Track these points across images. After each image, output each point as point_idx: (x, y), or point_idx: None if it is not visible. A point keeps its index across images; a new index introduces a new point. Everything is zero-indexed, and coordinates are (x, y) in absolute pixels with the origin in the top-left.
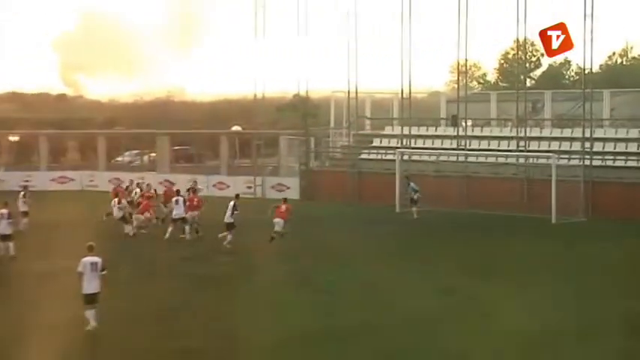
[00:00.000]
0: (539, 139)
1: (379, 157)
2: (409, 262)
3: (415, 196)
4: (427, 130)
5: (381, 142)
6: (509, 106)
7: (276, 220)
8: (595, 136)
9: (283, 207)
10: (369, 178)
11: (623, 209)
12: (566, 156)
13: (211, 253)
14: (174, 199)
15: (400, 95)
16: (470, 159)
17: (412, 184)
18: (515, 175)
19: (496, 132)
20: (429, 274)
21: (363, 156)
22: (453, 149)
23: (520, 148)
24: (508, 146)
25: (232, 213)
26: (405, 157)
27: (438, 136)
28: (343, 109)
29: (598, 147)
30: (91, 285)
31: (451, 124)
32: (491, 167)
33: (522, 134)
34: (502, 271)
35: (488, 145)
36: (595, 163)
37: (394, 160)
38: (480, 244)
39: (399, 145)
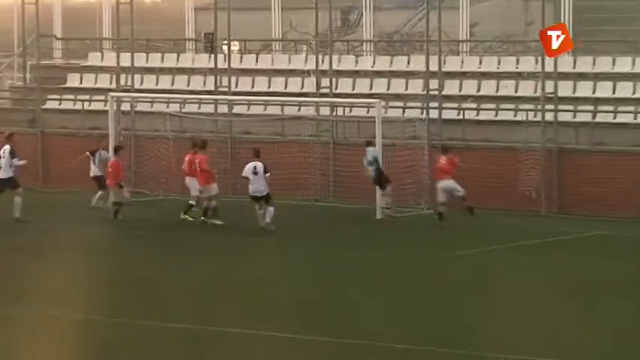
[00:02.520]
0: (355, 74)
1: (78, 106)
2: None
3: (372, 169)
4: (163, 59)
5: (81, 80)
6: (302, 17)
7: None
8: (447, 69)
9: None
10: (60, 143)
11: (489, 189)
12: (400, 103)
13: None
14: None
15: None
16: (238, 110)
17: (373, 148)
18: (315, 137)
19: (281, 63)
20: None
21: (50, 105)
22: (209, 93)
23: (322, 91)
24: (302, 88)
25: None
26: (126, 108)
27: (180, 71)
28: (14, 23)
29: (451, 88)
30: None
31: (205, 49)
32: (274, 125)
33: (326, 67)
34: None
35: (269, 86)
36: (447, 115)
37: (106, 113)
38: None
39: (113, 87)
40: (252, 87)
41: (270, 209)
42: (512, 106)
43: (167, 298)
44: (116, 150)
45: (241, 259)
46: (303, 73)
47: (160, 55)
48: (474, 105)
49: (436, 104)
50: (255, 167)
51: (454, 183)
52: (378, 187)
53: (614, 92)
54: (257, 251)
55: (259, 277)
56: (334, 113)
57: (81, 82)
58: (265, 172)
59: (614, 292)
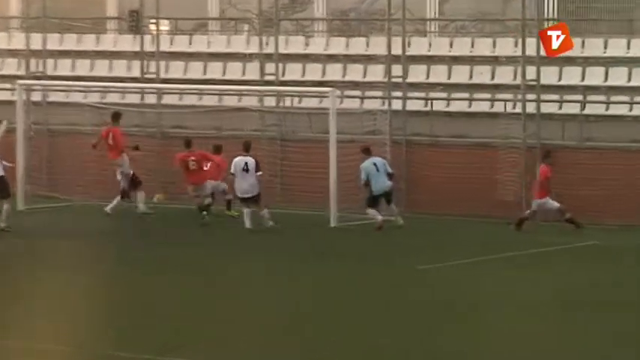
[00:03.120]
0: (305, 59)
1: None
2: None
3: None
4: (80, 41)
5: None
6: None
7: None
8: (412, 53)
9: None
10: None
11: (461, 192)
12: (358, 93)
13: None
14: None
15: None
16: (168, 100)
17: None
18: (259, 132)
19: (219, 45)
20: None
21: None
22: (134, 81)
23: (267, 78)
24: (243, 75)
25: None
26: (37, 98)
27: (101, 54)
28: None
29: (417, 75)
30: None
31: (129, 30)
32: (211, 118)
33: (271, 50)
34: None
35: (204, 72)
36: (412, 106)
37: (13, 104)
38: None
39: (21, 73)
40: (185, 73)
41: (266, 211)
42: (488, 95)
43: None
44: (115, 117)
45: (174, 276)
46: (245, 58)
47: (76, 36)
48: (443, 94)
49: (400, 93)
50: (246, 164)
51: (549, 201)
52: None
53: (606, 79)
54: (196, 267)
55: (193, 297)
56: (281, 104)
57: None
58: (257, 169)
59: (601, 312)
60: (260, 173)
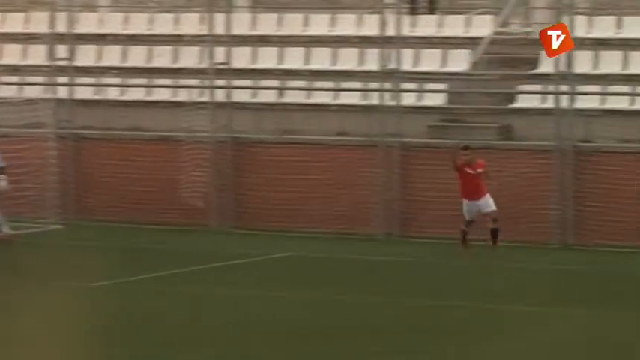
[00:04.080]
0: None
1: None
2: None
3: None
4: None
5: None
6: None
7: None
8: (80, 31)
9: None
10: None
11: (140, 195)
12: (16, 78)
13: None
14: None
15: None
16: None
17: None
18: None
19: None
20: None
21: None
22: None
23: None
24: None
25: None
26: None
27: None
28: None
29: (86, 58)
30: None
31: None
32: None
33: None
34: None
35: None
36: (81, 94)
37: None
38: None
39: None
40: None
41: None
42: (169, 81)
43: None
44: None
45: None
46: None
47: None
48: (117, 80)
49: (66, 79)
50: None
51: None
52: None
53: (307, 62)
54: None
55: None
56: None
57: None
58: None
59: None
60: None
